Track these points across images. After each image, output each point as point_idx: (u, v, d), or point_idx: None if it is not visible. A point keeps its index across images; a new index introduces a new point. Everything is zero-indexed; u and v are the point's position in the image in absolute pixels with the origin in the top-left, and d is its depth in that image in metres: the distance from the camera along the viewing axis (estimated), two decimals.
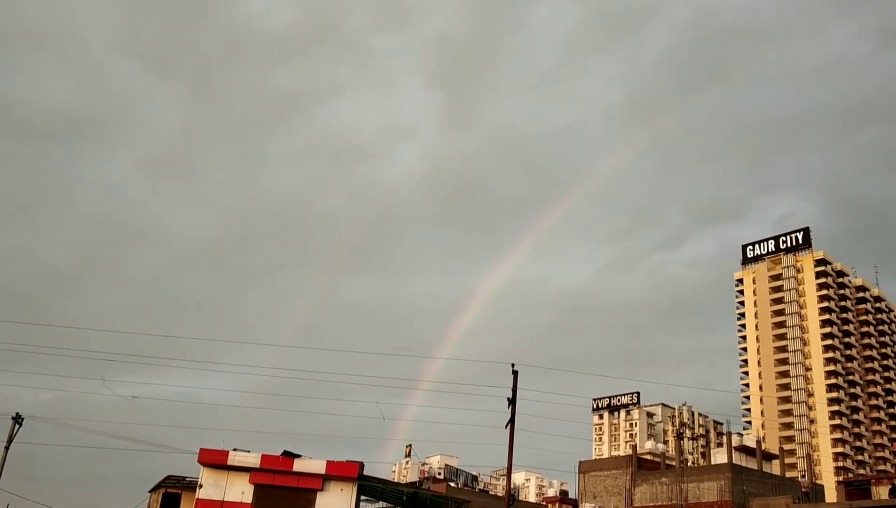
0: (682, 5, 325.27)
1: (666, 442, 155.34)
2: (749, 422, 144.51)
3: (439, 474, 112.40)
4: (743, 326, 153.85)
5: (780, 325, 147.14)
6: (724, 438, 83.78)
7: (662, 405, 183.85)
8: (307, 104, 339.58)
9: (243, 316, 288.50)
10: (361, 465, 35.70)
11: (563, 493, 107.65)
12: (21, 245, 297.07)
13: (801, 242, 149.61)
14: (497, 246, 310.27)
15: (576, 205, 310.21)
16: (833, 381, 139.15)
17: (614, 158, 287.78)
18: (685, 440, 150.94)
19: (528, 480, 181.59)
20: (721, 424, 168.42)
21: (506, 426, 37.29)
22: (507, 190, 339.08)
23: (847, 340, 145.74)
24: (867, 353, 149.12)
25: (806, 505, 57.68)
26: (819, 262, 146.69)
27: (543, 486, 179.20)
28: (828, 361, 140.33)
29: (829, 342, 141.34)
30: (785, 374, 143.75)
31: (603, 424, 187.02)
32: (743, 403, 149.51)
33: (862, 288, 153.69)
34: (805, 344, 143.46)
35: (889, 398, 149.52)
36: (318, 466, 35.33)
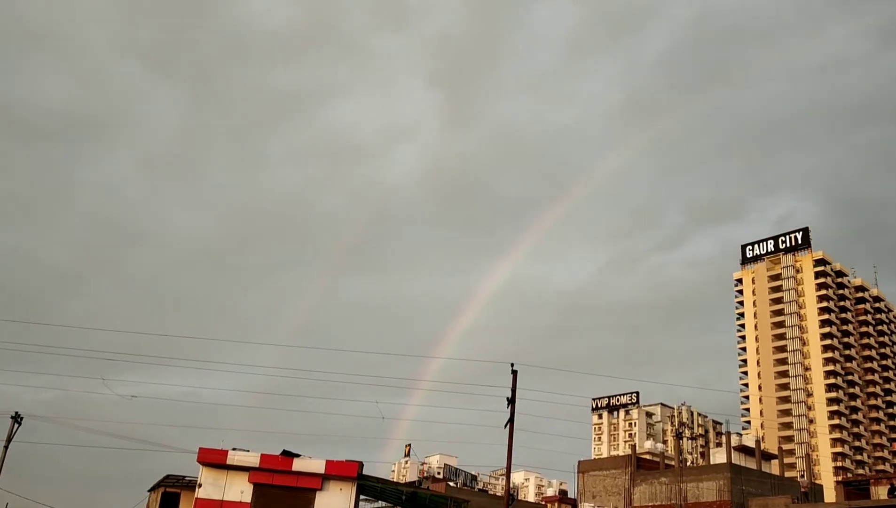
0: (682, 5, 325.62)
1: (665, 442, 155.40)
2: (748, 422, 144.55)
3: (438, 473, 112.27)
4: (742, 326, 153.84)
5: (780, 325, 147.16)
6: (724, 438, 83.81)
7: (662, 404, 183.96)
8: (307, 104, 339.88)
9: (243, 316, 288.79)
10: (361, 465, 35.73)
11: (563, 493, 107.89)
12: (21, 245, 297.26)
13: (800, 242, 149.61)
14: (497, 246, 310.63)
15: (576, 205, 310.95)
16: (832, 381, 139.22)
17: (614, 158, 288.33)
18: (684, 439, 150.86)
19: (527, 480, 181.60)
20: (720, 424, 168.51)
21: (505, 426, 37.36)
22: (507, 190, 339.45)
23: (846, 340, 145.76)
24: (866, 353, 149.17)
25: (805, 505, 57.66)
26: (818, 262, 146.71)
27: (543, 486, 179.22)
28: (827, 361, 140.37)
29: (828, 342, 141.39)
30: (784, 374, 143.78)
31: (602, 424, 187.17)
32: (742, 403, 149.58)
33: (861, 288, 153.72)
34: (804, 344, 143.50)
35: (888, 398, 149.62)
36: (317, 465, 35.35)
